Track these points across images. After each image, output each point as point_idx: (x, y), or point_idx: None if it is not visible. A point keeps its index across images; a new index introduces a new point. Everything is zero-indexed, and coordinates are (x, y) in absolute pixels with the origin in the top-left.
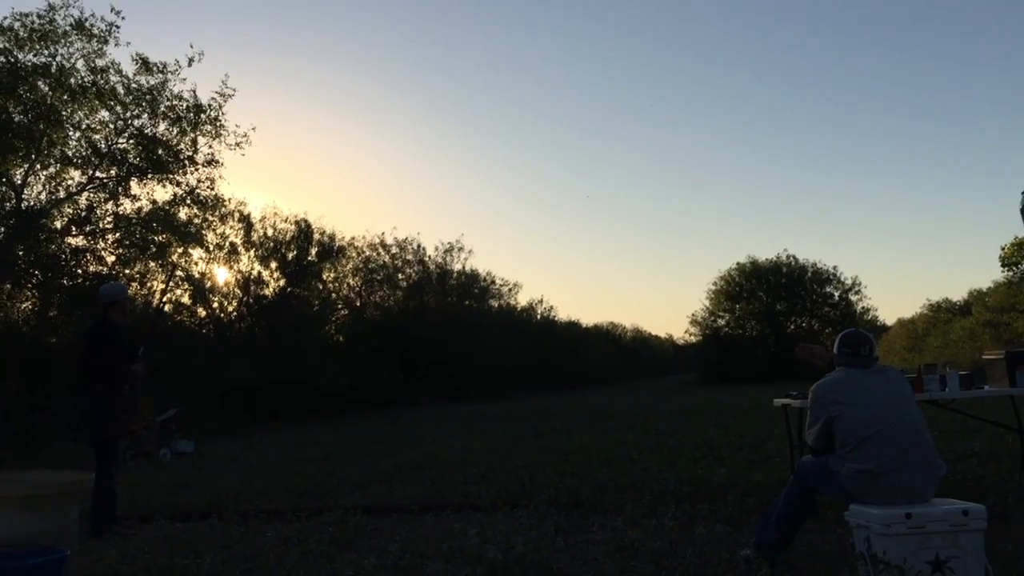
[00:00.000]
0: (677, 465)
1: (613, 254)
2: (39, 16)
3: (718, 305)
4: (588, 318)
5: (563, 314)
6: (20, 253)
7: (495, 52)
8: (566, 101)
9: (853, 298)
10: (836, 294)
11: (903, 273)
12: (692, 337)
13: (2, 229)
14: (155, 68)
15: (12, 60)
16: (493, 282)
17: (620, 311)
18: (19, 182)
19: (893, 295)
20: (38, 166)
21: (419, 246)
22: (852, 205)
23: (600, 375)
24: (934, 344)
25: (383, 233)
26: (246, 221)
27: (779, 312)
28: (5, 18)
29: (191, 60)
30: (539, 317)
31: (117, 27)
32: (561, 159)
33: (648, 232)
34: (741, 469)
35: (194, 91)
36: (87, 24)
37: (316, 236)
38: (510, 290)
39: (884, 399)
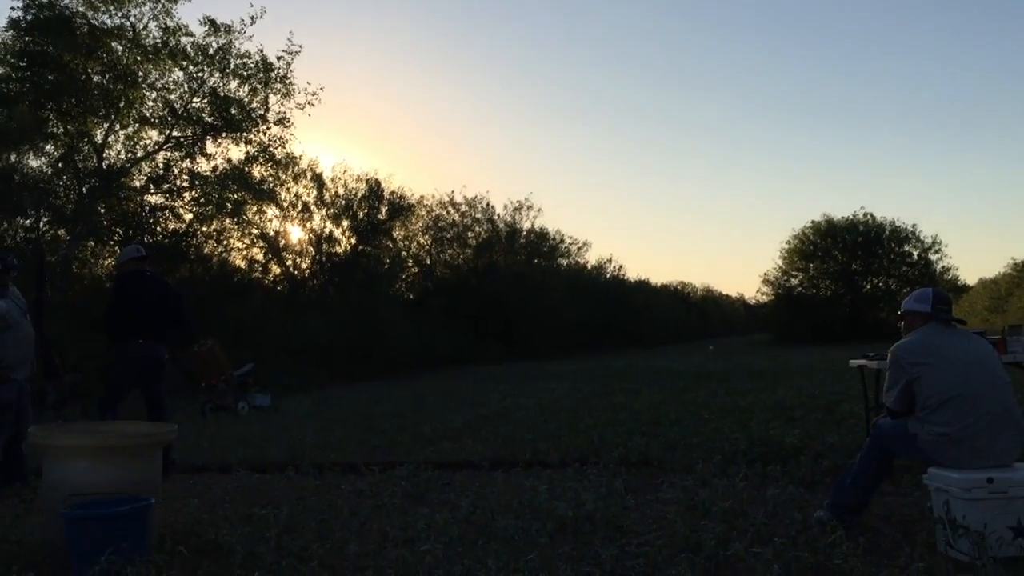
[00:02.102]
0: (748, 426)
1: (683, 212)
2: None
3: (791, 264)
4: (658, 277)
5: (632, 273)
6: (102, 211)
7: (565, 7)
8: (636, 58)
9: (933, 257)
10: (915, 253)
11: (985, 231)
12: (764, 297)
13: (85, 187)
14: (222, 29)
15: (89, 22)
16: (562, 240)
17: (690, 270)
18: (100, 142)
19: (975, 254)
20: (117, 126)
21: (488, 204)
22: (932, 161)
23: (670, 334)
24: (1018, 304)
25: (453, 191)
26: (318, 180)
27: (855, 272)
28: None
29: (253, 18)
30: (608, 276)
31: None
32: (632, 116)
33: (719, 190)
34: (814, 430)
35: (261, 49)
36: None
37: (386, 195)
38: (579, 249)
39: (967, 360)
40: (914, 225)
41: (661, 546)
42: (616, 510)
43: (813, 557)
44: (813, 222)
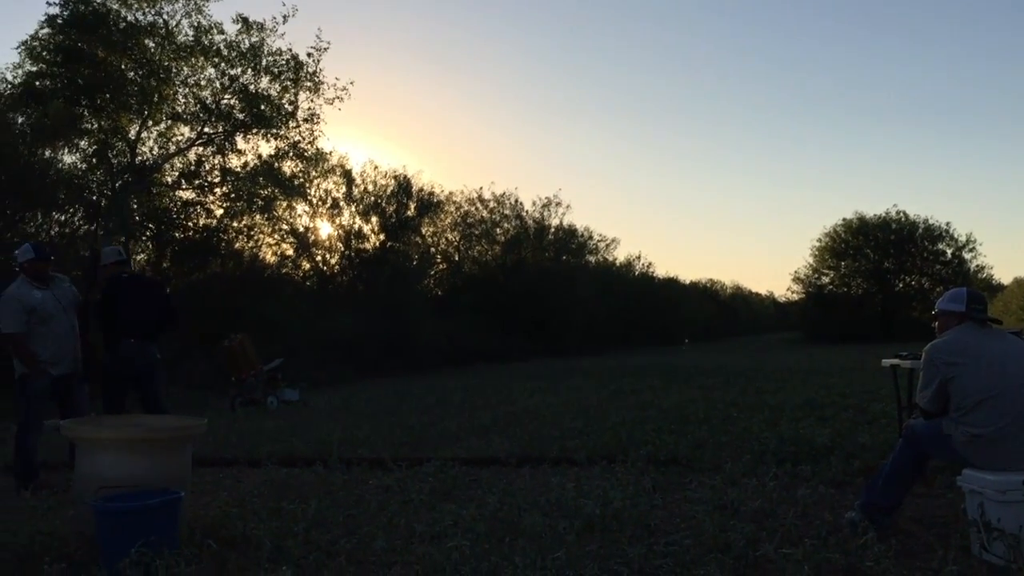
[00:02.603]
0: (778, 425)
1: (713, 210)
2: None
3: (822, 262)
4: (687, 275)
5: (661, 270)
6: (134, 206)
7: (595, 3)
8: (665, 55)
9: (967, 256)
10: (949, 252)
11: (1020, 229)
12: (794, 295)
13: (118, 183)
14: (255, 27)
15: (123, 20)
16: (591, 237)
17: (720, 268)
18: (133, 138)
19: (1009, 253)
20: (150, 122)
21: (517, 201)
22: (966, 158)
23: (698, 332)
24: None
25: (481, 188)
26: (347, 176)
27: (887, 270)
28: None
29: (286, 17)
30: (637, 273)
31: None
32: (660, 113)
33: (749, 187)
34: (845, 430)
35: (291, 48)
36: None
37: (415, 190)
38: (608, 246)
39: (1002, 361)
40: (948, 223)
41: (689, 545)
42: (644, 509)
43: (844, 559)
44: (845, 220)
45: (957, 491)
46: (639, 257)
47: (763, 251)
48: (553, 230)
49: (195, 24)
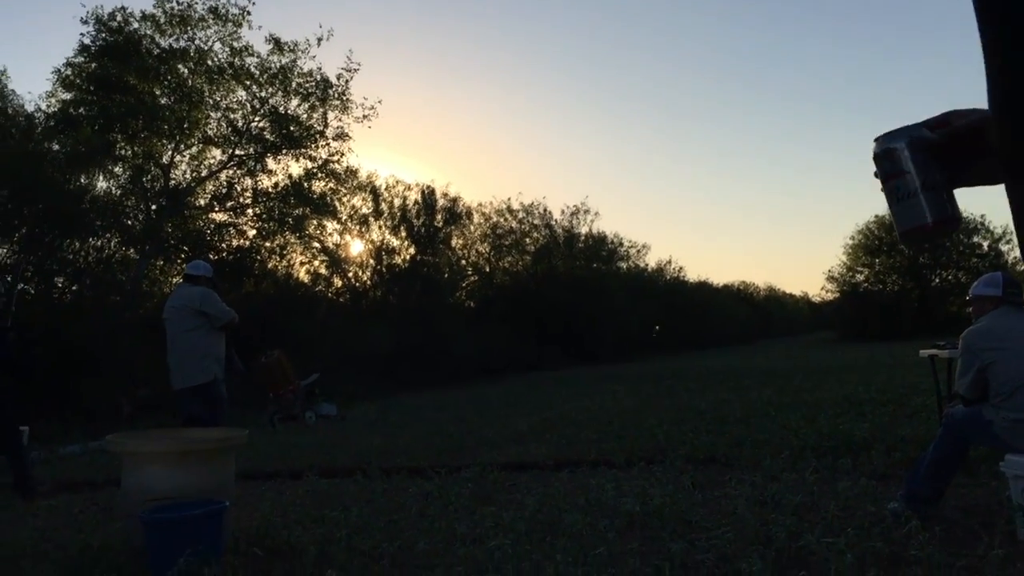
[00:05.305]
0: (817, 421)
1: (743, 211)
2: (178, 3)
3: (856, 260)
4: (719, 278)
5: (693, 274)
6: (169, 230)
7: (619, 9)
8: (690, 57)
9: (1004, 248)
10: (985, 244)
11: None
12: (828, 294)
13: (153, 207)
14: (287, 47)
15: (157, 46)
16: (621, 244)
17: (752, 270)
18: (166, 162)
19: None
20: (183, 146)
21: (545, 210)
22: None
23: (732, 335)
24: None
25: (509, 198)
26: (374, 192)
27: (923, 265)
28: (151, 7)
29: (320, 39)
30: (668, 278)
31: (248, 13)
32: (689, 116)
33: (780, 187)
34: (885, 424)
35: (320, 69)
36: (221, 10)
37: (441, 202)
38: (638, 252)
39: None
40: (983, 215)
41: (731, 539)
42: (684, 505)
43: (888, 547)
44: (877, 216)
45: (1000, 480)
46: (670, 262)
47: (795, 251)
48: (583, 238)
49: (229, 48)
